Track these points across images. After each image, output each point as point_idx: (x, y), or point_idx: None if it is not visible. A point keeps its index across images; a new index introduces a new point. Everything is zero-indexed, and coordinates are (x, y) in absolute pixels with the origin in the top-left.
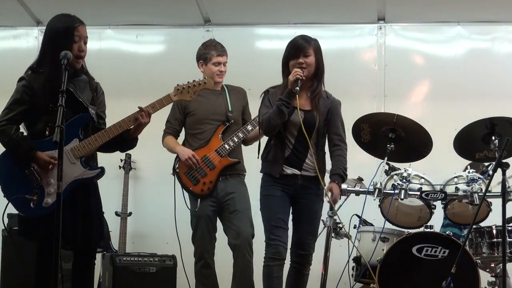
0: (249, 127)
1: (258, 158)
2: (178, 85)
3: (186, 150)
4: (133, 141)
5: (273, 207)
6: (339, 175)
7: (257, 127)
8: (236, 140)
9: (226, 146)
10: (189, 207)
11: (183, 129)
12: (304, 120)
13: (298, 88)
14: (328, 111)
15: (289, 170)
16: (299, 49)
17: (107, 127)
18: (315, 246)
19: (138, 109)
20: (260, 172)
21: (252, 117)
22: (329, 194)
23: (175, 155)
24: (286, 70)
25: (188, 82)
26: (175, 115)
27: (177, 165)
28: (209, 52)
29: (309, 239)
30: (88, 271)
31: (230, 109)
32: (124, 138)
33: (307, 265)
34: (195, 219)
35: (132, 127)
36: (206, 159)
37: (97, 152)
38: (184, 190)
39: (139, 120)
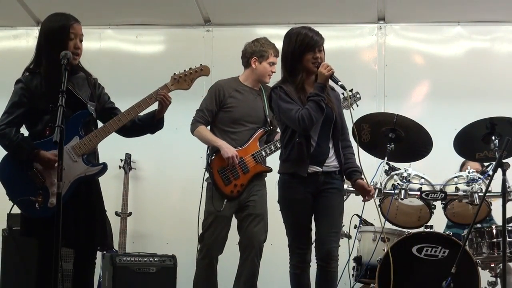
0: None
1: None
2: (174, 74)
3: (231, 148)
4: (159, 123)
5: (296, 213)
6: (360, 172)
7: None
8: (273, 149)
9: (263, 153)
10: (214, 205)
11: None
12: (325, 114)
13: (341, 82)
14: (339, 103)
15: (311, 169)
16: (316, 43)
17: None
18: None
19: (158, 94)
20: (279, 173)
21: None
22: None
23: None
24: (296, 64)
25: (184, 70)
26: (211, 106)
27: (211, 161)
28: (267, 50)
29: (330, 234)
30: (89, 270)
31: (267, 114)
32: (149, 123)
33: (330, 261)
34: (212, 217)
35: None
36: (242, 162)
37: (98, 149)
38: (213, 188)
39: (163, 102)
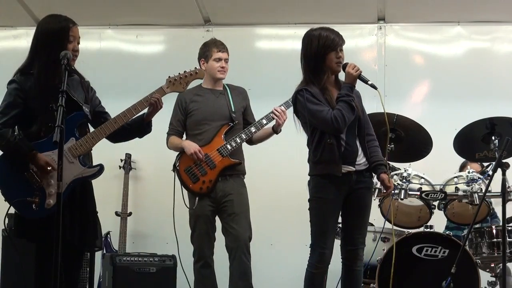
0: (253, 129)
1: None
2: (169, 76)
3: (193, 144)
4: (148, 126)
5: (324, 212)
6: (385, 165)
7: (260, 130)
8: (239, 141)
9: (228, 146)
10: (188, 205)
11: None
12: None
13: (371, 82)
14: (360, 101)
15: (344, 169)
16: (338, 43)
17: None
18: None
19: (152, 97)
20: (310, 174)
21: (254, 117)
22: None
23: (176, 153)
24: (321, 64)
25: (179, 73)
26: (177, 116)
27: (177, 162)
28: (209, 49)
29: (358, 234)
30: (77, 271)
31: (233, 110)
32: (138, 127)
33: (357, 261)
34: (194, 218)
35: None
36: (207, 158)
37: (93, 151)
38: (182, 187)
39: (155, 106)
